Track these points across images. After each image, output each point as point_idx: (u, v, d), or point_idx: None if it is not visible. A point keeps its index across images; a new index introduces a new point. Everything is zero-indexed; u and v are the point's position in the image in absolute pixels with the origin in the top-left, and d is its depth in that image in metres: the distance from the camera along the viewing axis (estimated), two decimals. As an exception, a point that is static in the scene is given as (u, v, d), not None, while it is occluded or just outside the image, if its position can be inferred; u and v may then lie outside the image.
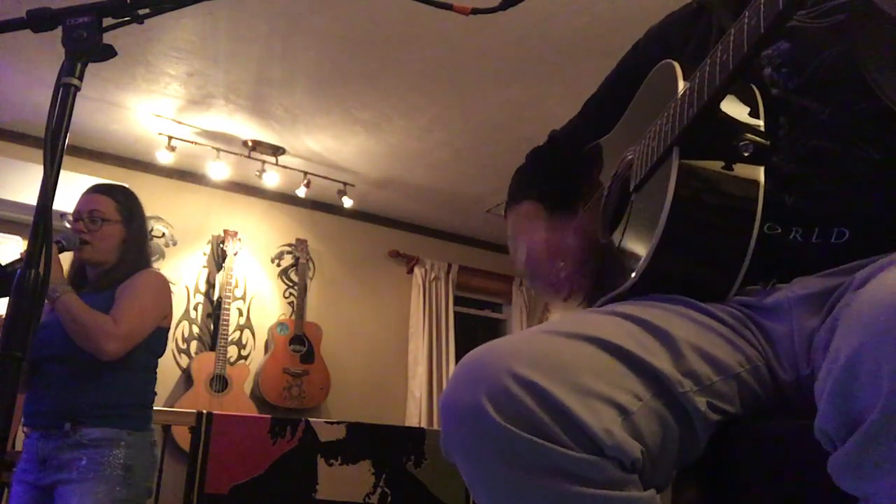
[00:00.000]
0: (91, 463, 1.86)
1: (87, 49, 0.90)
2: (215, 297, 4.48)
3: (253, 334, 4.61)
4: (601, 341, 0.69)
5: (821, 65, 0.83)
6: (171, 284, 2.19)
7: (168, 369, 4.16)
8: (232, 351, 4.44)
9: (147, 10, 0.94)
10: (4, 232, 4.06)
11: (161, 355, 2.14)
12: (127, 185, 2.24)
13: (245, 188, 4.71)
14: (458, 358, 5.00)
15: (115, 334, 1.88)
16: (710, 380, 0.72)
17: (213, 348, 4.32)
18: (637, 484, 0.65)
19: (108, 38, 0.93)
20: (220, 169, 4.23)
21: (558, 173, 1.22)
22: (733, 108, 0.80)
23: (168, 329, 2.14)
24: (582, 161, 1.17)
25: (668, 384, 0.69)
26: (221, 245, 4.54)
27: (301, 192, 4.51)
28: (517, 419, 0.62)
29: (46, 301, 1.78)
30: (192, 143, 4.09)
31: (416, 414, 4.96)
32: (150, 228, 2.20)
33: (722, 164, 0.78)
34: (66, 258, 1.99)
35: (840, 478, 0.56)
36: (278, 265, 4.81)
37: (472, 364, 0.68)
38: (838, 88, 0.81)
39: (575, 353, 0.68)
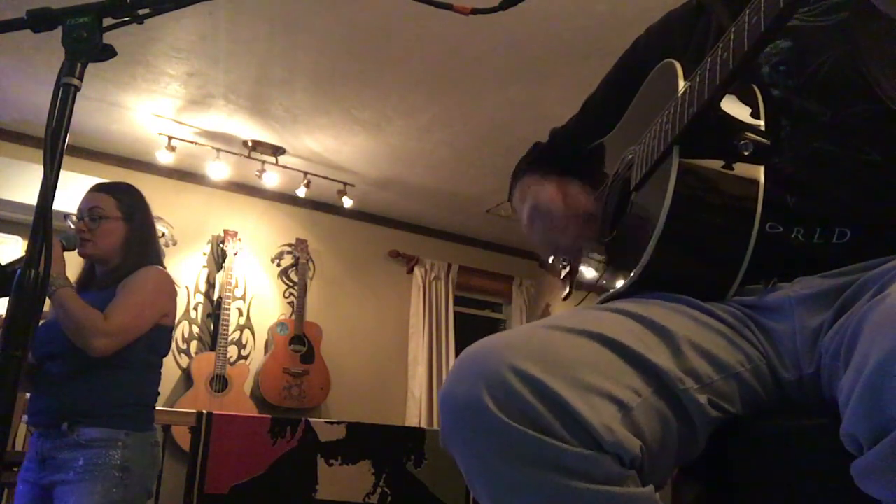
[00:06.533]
0: (88, 464, 1.85)
1: (87, 49, 0.90)
2: (215, 297, 4.48)
3: (253, 334, 4.61)
4: (602, 337, 0.69)
5: (821, 66, 0.83)
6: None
7: (168, 369, 4.13)
8: (232, 351, 4.44)
9: (147, 10, 0.94)
10: (4, 232, 4.06)
11: (164, 354, 2.11)
12: (130, 183, 2.22)
13: (245, 188, 4.71)
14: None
15: (104, 330, 1.85)
16: (711, 378, 0.72)
17: (213, 348, 4.32)
18: (636, 480, 0.65)
19: (108, 38, 0.92)
20: (220, 169, 4.23)
21: (561, 166, 1.21)
22: (734, 107, 0.80)
23: (170, 328, 2.11)
24: (583, 160, 1.17)
25: (669, 381, 0.69)
26: (221, 245, 4.54)
27: (301, 192, 4.51)
28: (517, 414, 0.63)
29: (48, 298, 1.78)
30: (192, 143, 4.09)
31: (416, 414, 4.96)
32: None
33: (722, 163, 0.78)
34: (76, 258, 1.97)
35: (865, 481, 0.56)
36: (278, 265, 4.81)
37: (472, 358, 0.68)
38: (839, 90, 0.81)
39: (575, 349, 0.68)
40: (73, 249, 1.98)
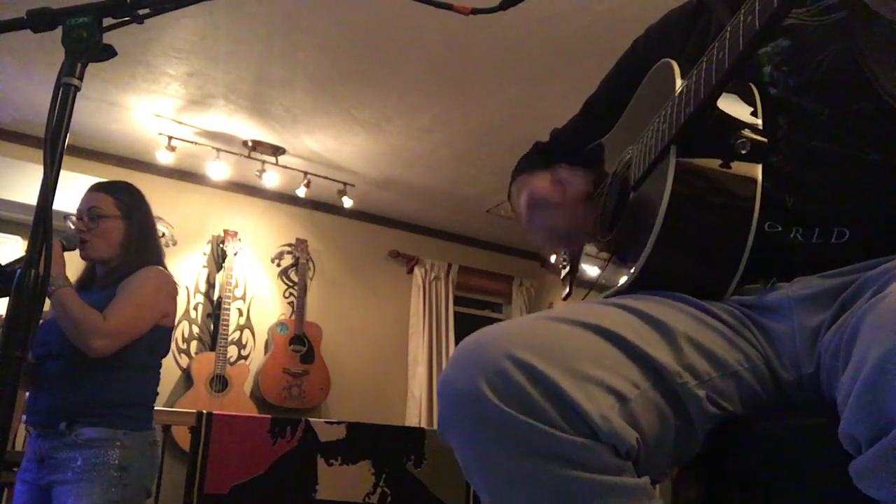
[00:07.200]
0: (86, 463, 1.84)
1: (87, 49, 0.90)
2: (215, 297, 4.48)
3: (253, 334, 4.61)
4: (601, 329, 0.70)
5: (820, 65, 0.83)
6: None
7: (168, 369, 4.15)
8: (232, 351, 4.44)
9: (147, 10, 0.94)
10: (4, 232, 4.06)
11: (164, 355, 2.11)
12: (129, 182, 2.22)
13: (245, 188, 4.71)
14: (458, 358, 4.99)
15: (102, 331, 1.85)
16: (709, 375, 0.72)
17: (213, 348, 4.32)
18: (631, 471, 0.65)
19: (108, 38, 0.92)
20: (219, 169, 4.23)
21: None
22: (731, 106, 0.80)
23: (170, 328, 2.10)
24: (583, 160, 1.17)
25: (667, 375, 0.69)
26: (221, 245, 4.54)
27: (301, 192, 4.51)
28: (515, 402, 0.63)
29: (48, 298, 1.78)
30: (192, 143, 4.10)
31: (416, 414, 4.96)
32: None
33: (719, 161, 0.78)
34: (76, 258, 1.96)
35: (863, 481, 0.56)
36: (278, 265, 4.81)
37: (472, 347, 0.68)
38: (837, 89, 0.81)
39: (575, 340, 0.69)
40: (73, 249, 1.98)
